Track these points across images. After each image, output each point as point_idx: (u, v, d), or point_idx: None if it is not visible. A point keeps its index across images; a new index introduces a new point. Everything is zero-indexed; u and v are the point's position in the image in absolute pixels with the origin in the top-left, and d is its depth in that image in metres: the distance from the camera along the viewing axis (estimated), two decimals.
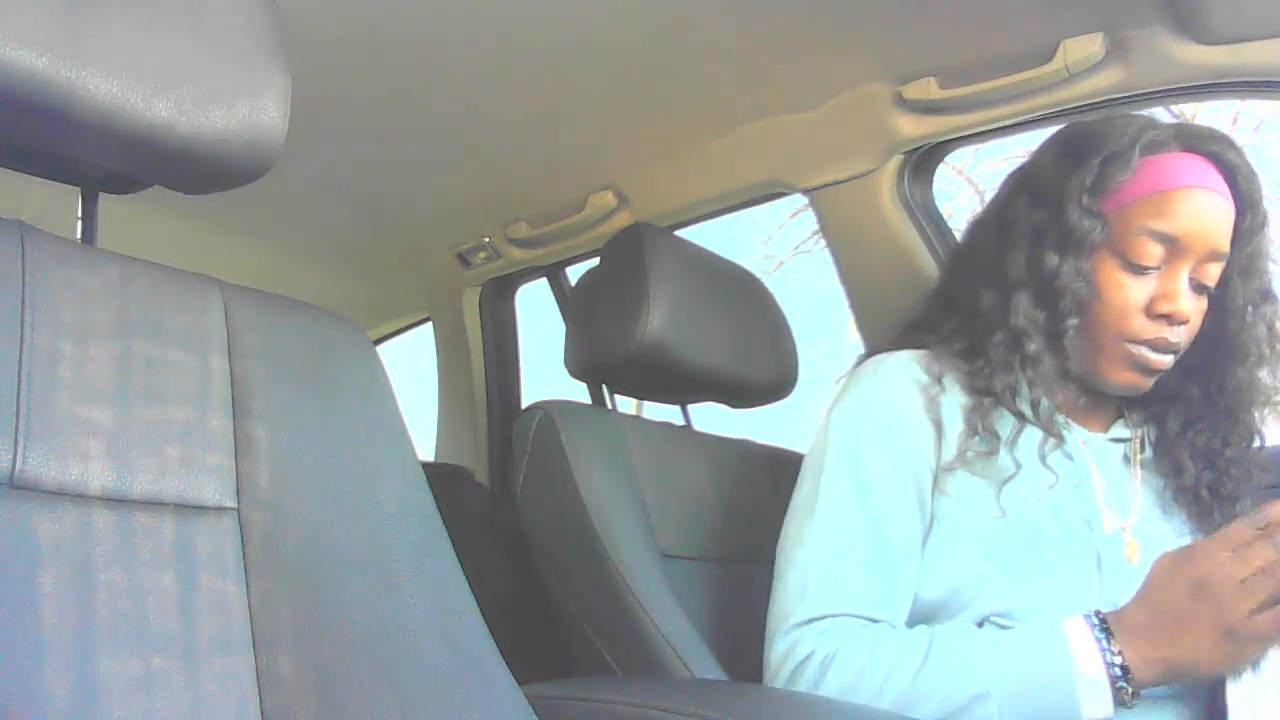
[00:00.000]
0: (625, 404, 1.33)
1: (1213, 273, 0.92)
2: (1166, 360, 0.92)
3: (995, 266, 0.95)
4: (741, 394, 1.29)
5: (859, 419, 0.94)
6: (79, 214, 0.67)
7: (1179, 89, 1.13)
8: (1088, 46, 1.11)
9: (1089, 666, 0.78)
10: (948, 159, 1.39)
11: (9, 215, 0.61)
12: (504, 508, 1.80)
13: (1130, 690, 0.77)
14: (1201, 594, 0.75)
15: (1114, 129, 0.92)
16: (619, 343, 1.12)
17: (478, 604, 0.69)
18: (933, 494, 0.91)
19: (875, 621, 0.86)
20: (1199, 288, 0.92)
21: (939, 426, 0.92)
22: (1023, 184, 0.99)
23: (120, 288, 0.62)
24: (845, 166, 1.35)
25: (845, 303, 1.44)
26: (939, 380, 0.94)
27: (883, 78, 1.26)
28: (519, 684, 0.69)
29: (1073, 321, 0.90)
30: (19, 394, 0.55)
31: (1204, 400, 0.98)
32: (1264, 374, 0.96)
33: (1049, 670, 0.79)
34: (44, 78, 0.54)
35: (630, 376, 1.23)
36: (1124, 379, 0.93)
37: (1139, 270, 0.90)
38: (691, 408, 1.32)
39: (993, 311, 0.94)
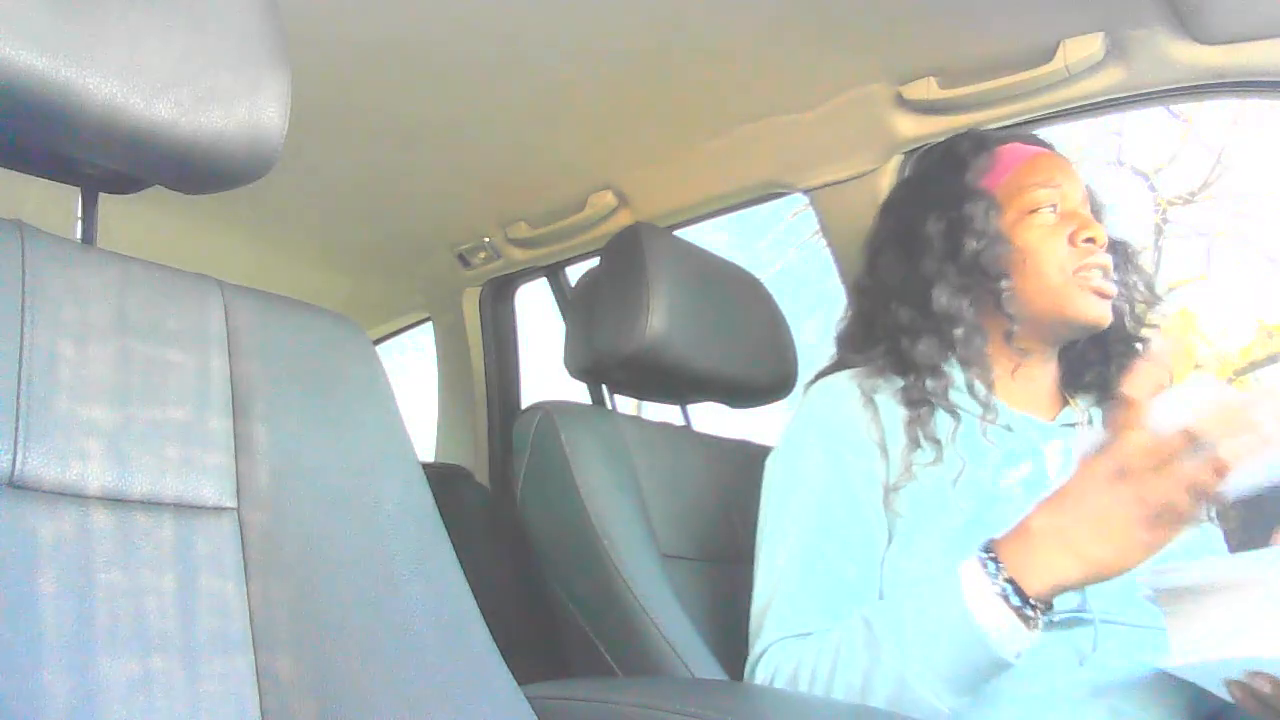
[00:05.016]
0: (625, 404, 1.33)
1: (1093, 213, 1.04)
2: (1110, 285, 1.00)
3: (909, 280, 1.02)
4: (741, 394, 1.29)
5: (802, 441, 0.98)
6: (79, 214, 0.67)
7: (1179, 89, 1.13)
8: (1088, 46, 1.11)
9: (979, 597, 0.75)
10: None
11: (9, 215, 0.61)
12: (504, 508, 1.80)
13: (1033, 607, 0.75)
14: (1121, 481, 0.73)
15: (961, 139, 1.09)
16: (619, 343, 1.12)
17: (478, 604, 0.69)
18: (884, 511, 0.93)
19: (809, 634, 0.87)
20: None
21: (883, 447, 0.95)
22: (915, 203, 1.08)
23: (120, 288, 0.62)
24: (845, 166, 1.35)
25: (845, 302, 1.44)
26: (872, 398, 0.98)
27: (883, 78, 1.26)
28: (519, 684, 0.69)
29: (1005, 283, 0.98)
30: (19, 394, 0.55)
31: (1123, 345, 1.05)
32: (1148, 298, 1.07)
33: (943, 618, 0.77)
34: (44, 78, 0.54)
35: (630, 376, 1.23)
36: (1089, 309, 0.98)
37: (1044, 213, 1.00)
38: (691, 408, 1.32)
39: (914, 321, 1.00)
